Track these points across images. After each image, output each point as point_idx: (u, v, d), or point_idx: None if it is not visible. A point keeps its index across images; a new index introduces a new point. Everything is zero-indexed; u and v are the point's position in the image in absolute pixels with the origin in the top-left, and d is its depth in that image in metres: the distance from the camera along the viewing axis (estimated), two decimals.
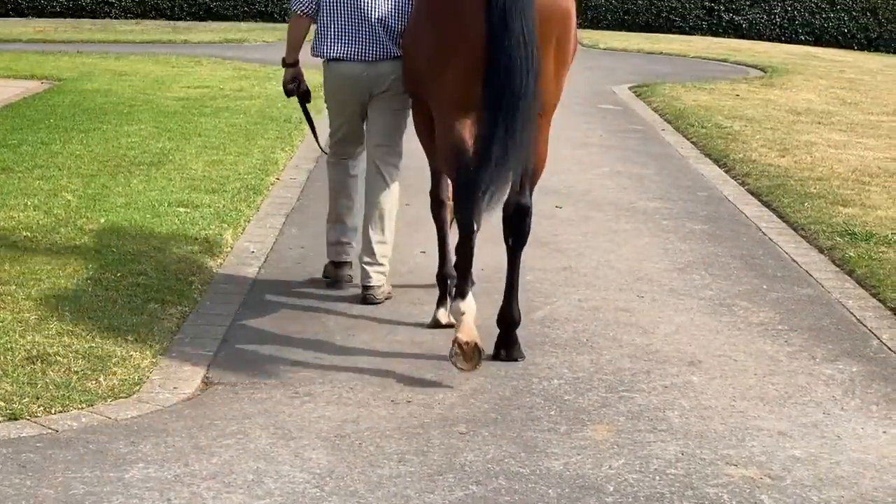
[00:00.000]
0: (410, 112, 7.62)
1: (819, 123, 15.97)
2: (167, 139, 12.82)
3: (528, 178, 6.62)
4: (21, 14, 35.21)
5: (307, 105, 8.19)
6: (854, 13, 36.30)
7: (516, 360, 6.68)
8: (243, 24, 33.81)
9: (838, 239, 9.51)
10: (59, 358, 6.27)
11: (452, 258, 7.19)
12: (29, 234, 8.70)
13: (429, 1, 6.82)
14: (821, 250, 9.39)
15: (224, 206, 9.91)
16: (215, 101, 15.96)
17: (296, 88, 8.01)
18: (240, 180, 10.92)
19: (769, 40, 35.47)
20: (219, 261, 8.48)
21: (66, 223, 9.07)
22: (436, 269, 7.59)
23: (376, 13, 7.47)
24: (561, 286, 8.20)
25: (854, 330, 7.50)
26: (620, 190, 11.53)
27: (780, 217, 10.55)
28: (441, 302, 7.36)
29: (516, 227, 6.66)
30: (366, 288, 7.69)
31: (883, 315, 7.81)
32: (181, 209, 9.71)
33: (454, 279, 6.98)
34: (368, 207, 7.74)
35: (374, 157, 7.73)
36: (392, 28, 7.49)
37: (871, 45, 36.06)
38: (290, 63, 7.94)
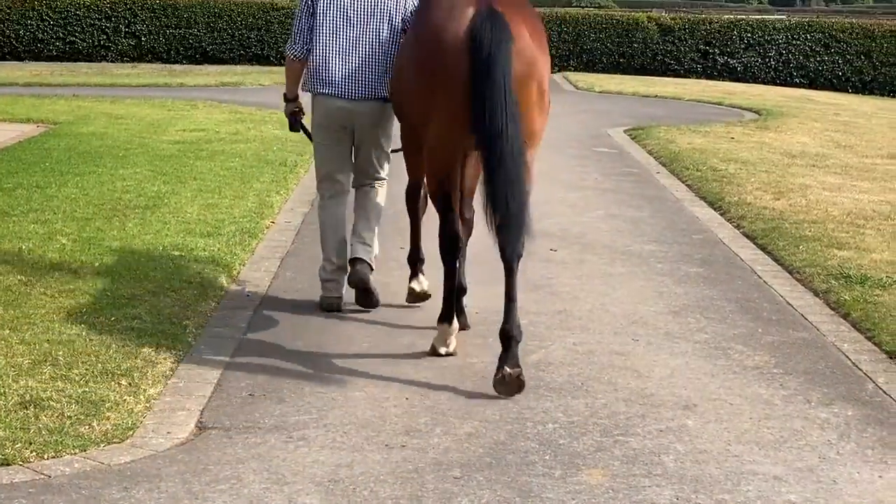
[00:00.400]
0: (391, 139, 8.57)
1: (814, 166, 16.00)
2: (162, 183, 12.83)
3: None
4: (18, 58, 35.31)
5: (309, 133, 8.80)
6: (848, 56, 36.44)
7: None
8: (239, 68, 33.91)
9: (833, 282, 9.52)
10: (52, 402, 6.26)
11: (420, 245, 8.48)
12: (23, 278, 8.68)
13: (414, 46, 7.46)
14: (816, 293, 9.39)
15: (219, 249, 9.91)
16: (211, 145, 15.98)
17: (297, 117, 8.82)
18: (235, 224, 10.93)
19: (764, 83, 35.59)
20: (213, 304, 8.47)
21: (61, 267, 9.06)
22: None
23: (360, 57, 8.22)
24: (556, 329, 8.19)
25: (849, 373, 7.49)
26: (615, 233, 11.53)
27: (776, 260, 10.55)
28: (412, 278, 8.49)
29: (507, 245, 7.05)
30: (353, 261, 8.39)
31: (878, 358, 7.80)
32: (176, 253, 9.71)
33: (422, 262, 8.46)
34: (357, 213, 8.60)
35: (359, 181, 8.62)
36: (375, 69, 8.23)
37: (865, 88, 36.19)
38: (291, 98, 8.78)
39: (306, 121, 8.72)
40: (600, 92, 28.70)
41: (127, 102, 21.31)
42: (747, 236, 11.55)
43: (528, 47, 7.10)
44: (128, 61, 35.55)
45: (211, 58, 36.09)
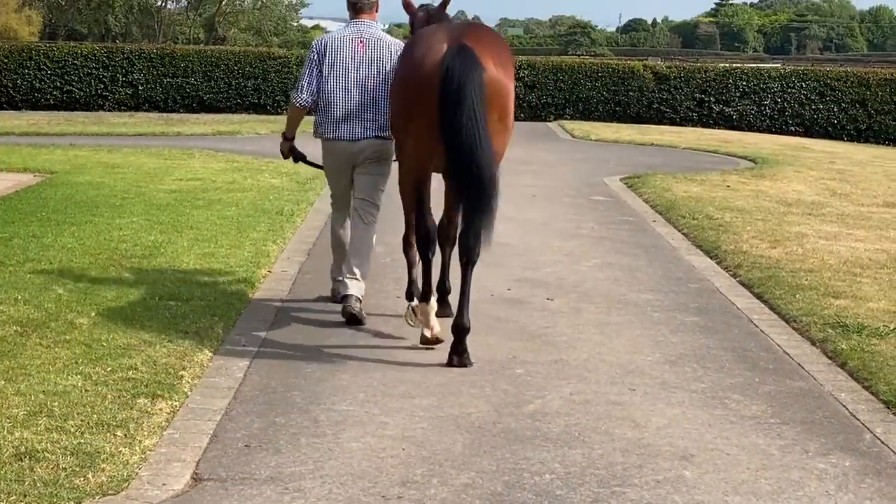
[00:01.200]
0: (387, 177, 10.00)
1: (810, 215, 16.03)
2: (159, 232, 12.84)
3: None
4: (15, 107, 35.45)
5: (306, 159, 10.32)
6: (843, 104, 36.60)
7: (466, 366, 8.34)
8: (235, 117, 34.04)
9: (830, 331, 9.51)
10: (47, 454, 6.22)
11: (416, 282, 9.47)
12: (19, 329, 8.67)
13: (398, 80, 9.02)
14: (813, 342, 9.39)
15: (215, 299, 9.90)
16: (207, 194, 16.01)
17: (293, 154, 10.27)
18: (231, 273, 10.93)
19: (759, 131, 35.75)
20: (209, 354, 8.45)
21: (57, 317, 9.05)
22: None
23: (360, 105, 9.73)
24: (552, 379, 8.17)
25: (847, 423, 7.47)
26: (612, 282, 11.53)
27: (772, 309, 10.55)
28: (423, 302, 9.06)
29: (466, 247, 8.50)
30: (344, 297, 9.59)
31: (876, 408, 7.79)
32: (172, 302, 9.70)
33: (417, 295, 9.27)
34: (352, 242, 9.93)
35: (356, 206, 9.94)
36: (372, 114, 9.72)
37: (860, 137, 36.35)
38: (289, 138, 10.26)
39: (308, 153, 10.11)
40: (596, 140, 28.79)
41: (124, 151, 21.37)
42: (744, 285, 11.55)
43: (494, 76, 8.43)
44: (125, 110, 35.71)
45: (208, 106, 36.26)
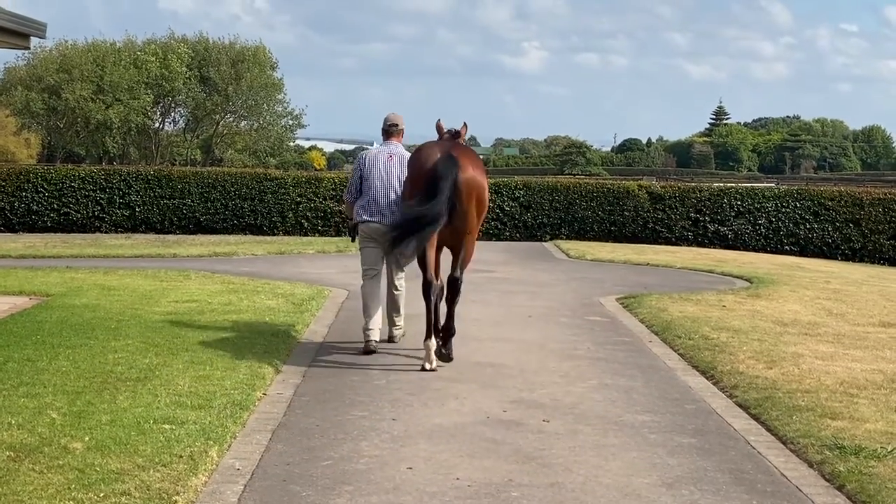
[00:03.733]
0: None
1: (806, 335, 16.03)
2: (154, 354, 12.82)
3: (461, 264, 13.27)
4: (12, 230, 35.63)
5: (354, 237, 14.64)
6: (838, 224, 36.81)
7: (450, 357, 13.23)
8: (232, 238, 34.17)
9: (828, 453, 9.46)
10: None
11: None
12: (12, 454, 8.62)
13: (408, 178, 13.42)
14: (810, 464, 9.34)
15: (210, 422, 9.86)
16: (203, 316, 16.01)
17: (355, 229, 14.45)
18: (226, 396, 10.90)
19: (754, 250, 35.91)
20: (203, 479, 8.39)
21: (50, 442, 9.00)
22: None
23: (387, 200, 14.04)
24: (548, 503, 8.11)
25: None
26: (608, 403, 11.50)
27: (769, 430, 10.51)
28: (426, 344, 13.10)
29: (452, 289, 13.29)
30: (391, 338, 14.56)
31: None
32: (166, 426, 9.65)
33: (436, 336, 13.20)
34: (389, 303, 14.55)
35: (391, 277, 14.46)
36: (393, 205, 13.91)
37: (855, 256, 36.51)
38: (351, 220, 14.51)
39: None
40: (592, 260, 28.88)
41: (120, 273, 21.41)
42: (740, 406, 11.52)
43: (471, 174, 12.88)
44: (122, 232, 35.86)
45: (204, 227, 36.43)
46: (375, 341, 13.87)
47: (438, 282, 13.12)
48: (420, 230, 12.41)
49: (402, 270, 14.34)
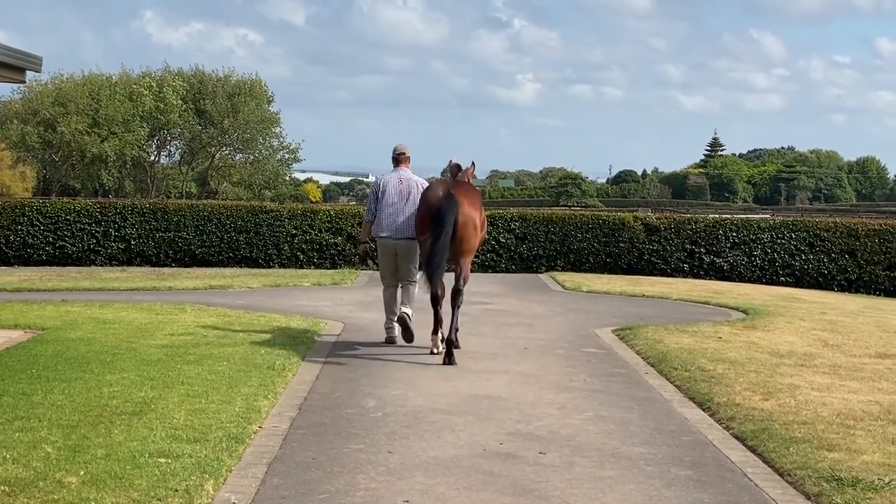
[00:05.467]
0: (417, 261, 17.03)
1: (802, 366, 16.02)
2: (149, 388, 12.80)
3: (462, 279, 16.14)
4: (7, 263, 35.59)
5: (367, 259, 19.42)
6: (833, 255, 36.81)
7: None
8: (228, 270, 34.10)
9: (825, 485, 9.45)
10: None
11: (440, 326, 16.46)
12: (7, 489, 8.59)
13: (418, 209, 16.44)
14: (807, 496, 9.32)
15: (205, 455, 9.84)
16: (199, 349, 15.98)
17: (367, 252, 18.07)
18: (222, 429, 10.87)
19: (750, 282, 35.88)
20: None
21: (45, 476, 8.97)
22: None
23: (401, 219, 17.04)
24: None
25: None
26: (605, 435, 11.48)
27: (766, 462, 10.49)
28: (433, 338, 16.60)
29: (455, 299, 16.01)
30: (401, 315, 16.90)
31: None
32: (162, 460, 9.63)
33: (442, 338, 16.38)
34: (402, 298, 17.22)
35: (401, 281, 17.26)
36: (406, 223, 16.95)
37: (851, 287, 36.49)
38: (363, 241, 18.17)
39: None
40: (588, 291, 28.86)
41: (115, 306, 21.37)
42: (737, 437, 11.51)
43: (467, 210, 15.93)
44: (117, 265, 35.81)
45: (200, 260, 36.38)
46: (396, 335, 17.42)
47: (442, 293, 16.15)
48: (436, 255, 15.64)
49: (414, 277, 17.20)
